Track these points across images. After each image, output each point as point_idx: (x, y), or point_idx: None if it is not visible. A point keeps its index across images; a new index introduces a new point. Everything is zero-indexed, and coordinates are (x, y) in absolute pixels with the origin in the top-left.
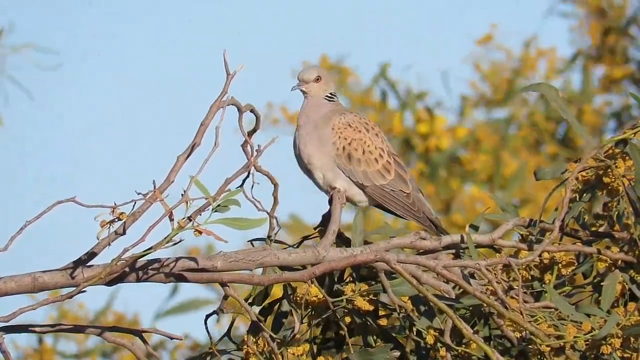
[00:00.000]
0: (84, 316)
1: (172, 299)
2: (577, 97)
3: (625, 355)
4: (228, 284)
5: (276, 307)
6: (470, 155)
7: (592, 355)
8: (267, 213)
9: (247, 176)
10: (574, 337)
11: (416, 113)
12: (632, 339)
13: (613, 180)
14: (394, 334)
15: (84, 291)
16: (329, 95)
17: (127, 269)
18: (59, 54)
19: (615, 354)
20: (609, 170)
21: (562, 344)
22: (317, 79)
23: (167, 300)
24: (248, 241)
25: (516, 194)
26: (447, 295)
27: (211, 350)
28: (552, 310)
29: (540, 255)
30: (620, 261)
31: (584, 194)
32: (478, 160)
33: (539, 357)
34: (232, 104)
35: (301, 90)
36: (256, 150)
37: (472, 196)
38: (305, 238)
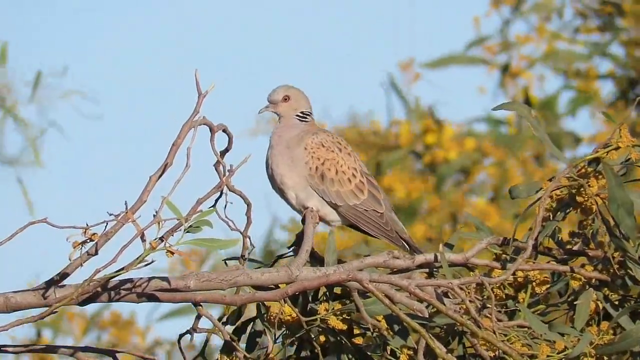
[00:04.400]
0: (81, 312)
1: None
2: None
3: None
4: (201, 304)
5: (250, 326)
6: (476, 168)
7: None
8: (241, 232)
9: (220, 196)
10: (547, 356)
11: (424, 123)
12: (605, 358)
13: (586, 199)
14: (368, 353)
15: (56, 312)
16: (301, 114)
17: (99, 289)
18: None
19: None
20: (582, 189)
21: None
22: (285, 99)
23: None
24: (222, 260)
25: (523, 205)
26: (420, 315)
27: None
28: (526, 329)
29: (514, 274)
30: (594, 279)
31: (558, 213)
32: (484, 172)
33: None
34: (204, 124)
35: (270, 111)
36: (228, 170)
37: (478, 209)
38: (279, 257)
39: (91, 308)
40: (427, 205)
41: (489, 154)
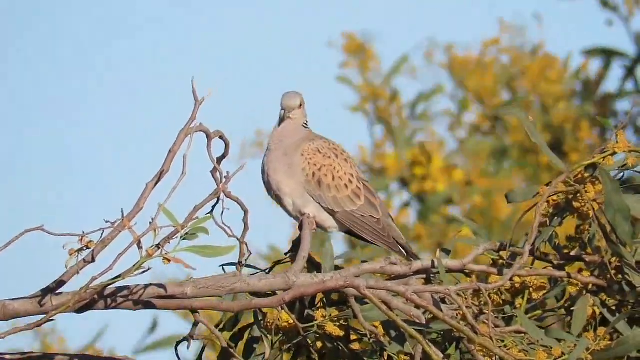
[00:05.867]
0: (64, 350)
1: (153, 333)
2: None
3: None
4: (198, 311)
5: (247, 333)
6: (463, 198)
7: None
8: (238, 239)
9: (217, 203)
10: None
11: (412, 154)
12: None
13: (583, 204)
14: (365, 359)
15: (53, 319)
16: (306, 121)
17: (96, 297)
18: None
19: None
20: (579, 194)
21: None
22: (300, 105)
23: (146, 336)
24: (219, 266)
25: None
26: (417, 321)
27: None
28: (523, 334)
29: (511, 280)
30: (591, 285)
31: (555, 218)
32: (471, 202)
33: None
34: (201, 131)
35: (286, 117)
36: (225, 177)
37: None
38: (277, 264)
39: (76, 342)
40: (412, 234)
41: (476, 184)
